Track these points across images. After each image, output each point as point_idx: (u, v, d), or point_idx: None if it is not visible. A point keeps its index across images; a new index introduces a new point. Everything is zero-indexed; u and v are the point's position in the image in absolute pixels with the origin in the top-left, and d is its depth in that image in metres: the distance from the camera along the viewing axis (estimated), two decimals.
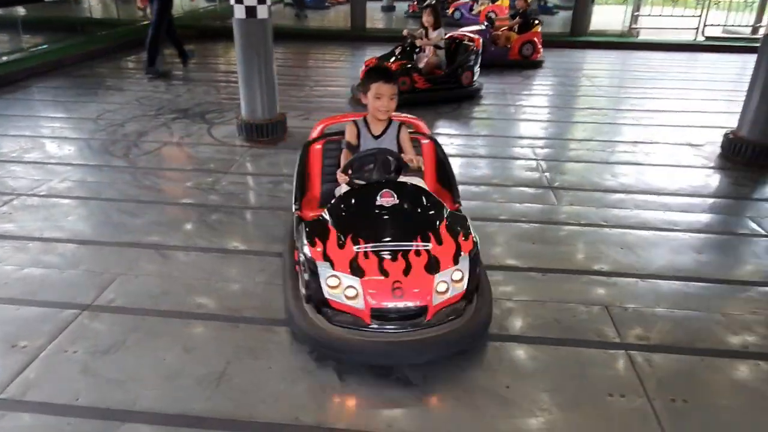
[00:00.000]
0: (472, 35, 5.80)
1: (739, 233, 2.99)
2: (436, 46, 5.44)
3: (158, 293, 2.38)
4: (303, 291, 2.03)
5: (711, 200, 3.39)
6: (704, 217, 3.16)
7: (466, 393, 1.85)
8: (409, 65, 5.27)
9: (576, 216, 3.13)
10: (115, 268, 2.55)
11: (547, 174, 3.72)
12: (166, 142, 4.24)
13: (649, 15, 9.44)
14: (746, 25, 9.67)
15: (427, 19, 5.40)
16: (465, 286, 1.93)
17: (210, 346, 2.06)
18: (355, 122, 2.49)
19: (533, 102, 5.73)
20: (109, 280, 2.45)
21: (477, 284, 2.02)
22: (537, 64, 7.35)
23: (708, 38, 9.03)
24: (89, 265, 2.58)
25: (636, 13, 9.33)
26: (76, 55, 7.30)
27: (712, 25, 9.12)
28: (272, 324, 2.19)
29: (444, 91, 5.42)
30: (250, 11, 3.91)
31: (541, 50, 7.40)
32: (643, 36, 9.40)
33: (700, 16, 9.18)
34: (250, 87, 4.16)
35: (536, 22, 7.34)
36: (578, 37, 9.18)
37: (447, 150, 2.76)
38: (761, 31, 7.62)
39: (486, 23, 7.42)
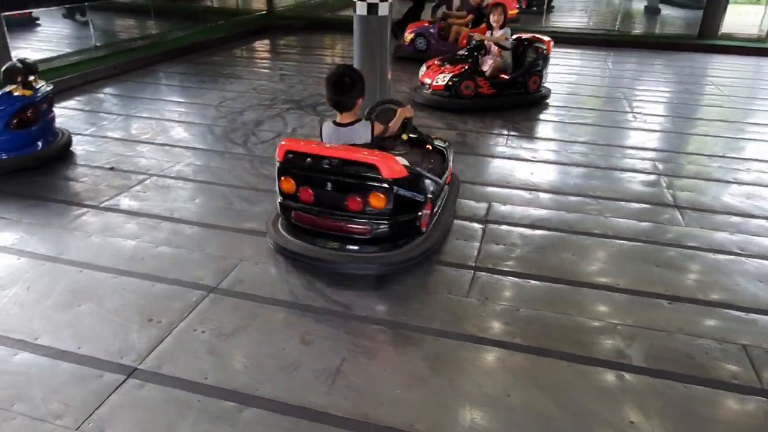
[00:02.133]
0: (542, 37, 5.37)
1: None
2: (502, 47, 5.10)
3: (275, 283, 2.48)
4: None
5: None
6: None
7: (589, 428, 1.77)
8: (472, 69, 4.93)
9: (706, 240, 2.90)
10: (236, 253, 2.68)
11: (670, 191, 3.47)
12: (281, 132, 4.39)
13: None
14: None
15: (496, 18, 5.03)
16: None
17: (326, 341, 2.11)
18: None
19: (650, 110, 5.36)
20: (232, 265, 2.58)
21: None
22: None
23: None
24: (214, 248, 2.73)
25: None
26: (198, 42, 7.76)
27: None
28: (384, 325, 2.21)
29: (509, 96, 5.08)
30: (372, 8, 3.95)
31: None
32: None
33: None
34: (367, 79, 4.20)
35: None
36: (707, 39, 8.48)
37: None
38: None
39: (441, 18, 7.04)
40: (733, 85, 6.48)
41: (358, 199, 2.44)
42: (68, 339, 2.09)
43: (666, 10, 11.64)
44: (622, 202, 3.30)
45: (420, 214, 2.57)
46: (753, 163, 3.98)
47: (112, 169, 3.65)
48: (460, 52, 5.23)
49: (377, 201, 2.43)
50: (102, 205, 3.15)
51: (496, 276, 2.55)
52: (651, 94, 5.94)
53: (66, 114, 4.75)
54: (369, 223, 2.49)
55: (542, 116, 5.04)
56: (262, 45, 8.43)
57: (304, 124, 4.62)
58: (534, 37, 5.37)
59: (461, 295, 2.40)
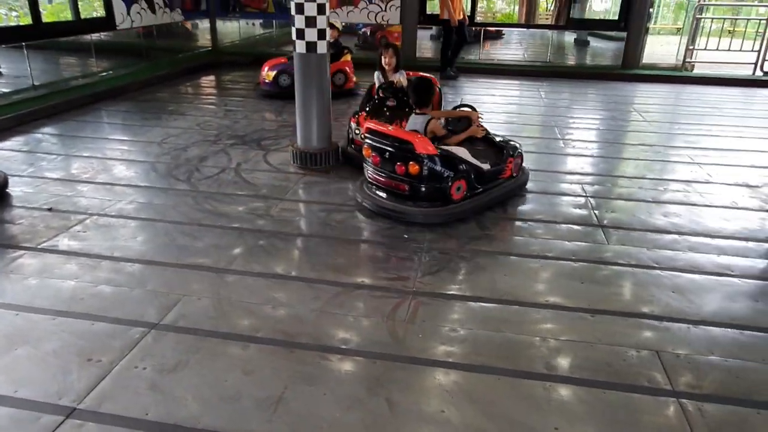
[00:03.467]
0: (424, 74, 5.00)
1: None
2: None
3: (218, 316, 2.52)
4: None
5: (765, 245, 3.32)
6: (762, 263, 3.10)
7: None
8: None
9: (626, 256, 3.13)
10: (179, 289, 2.71)
11: (596, 211, 3.72)
12: (225, 168, 4.45)
13: (705, 48, 9.28)
14: None
15: (388, 61, 4.83)
16: None
17: (267, 369, 2.17)
18: None
19: (579, 136, 5.72)
20: (174, 300, 2.61)
21: None
22: (350, 93, 7.24)
23: (767, 73, 8.81)
24: (156, 285, 2.75)
25: (691, 47, 9.18)
26: (142, 80, 7.74)
27: None
28: (325, 351, 2.28)
29: None
30: (311, 46, 4.11)
31: (354, 78, 7.30)
32: (698, 70, 9.24)
33: (759, 50, 8.96)
34: (307, 117, 4.34)
35: (346, 51, 7.21)
36: (630, 69, 9.11)
37: None
38: None
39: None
40: (654, 111, 6.98)
41: (402, 165, 3.42)
42: (4, 384, 2.06)
43: (594, 42, 12.40)
44: (554, 224, 3.52)
45: (449, 185, 3.43)
46: (670, 183, 4.31)
47: (50, 209, 3.60)
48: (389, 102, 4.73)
49: (413, 168, 3.38)
50: (40, 247, 3.11)
51: (435, 298, 2.68)
52: (580, 121, 6.34)
53: (2, 155, 4.66)
54: (409, 183, 3.46)
55: None
56: (207, 81, 8.48)
57: (248, 158, 4.69)
58: (417, 74, 5.13)
59: (401, 318, 2.51)
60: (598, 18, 11.43)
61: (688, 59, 9.20)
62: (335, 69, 6.99)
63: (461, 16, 8.36)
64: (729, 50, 9.30)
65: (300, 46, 4.13)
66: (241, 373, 2.14)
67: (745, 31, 9.60)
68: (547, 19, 11.16)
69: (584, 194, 4.03)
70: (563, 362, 2.23)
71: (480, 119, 4.02)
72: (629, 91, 8.24)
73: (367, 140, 3.64)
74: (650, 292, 2.76)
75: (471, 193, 3.60)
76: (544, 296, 2.71)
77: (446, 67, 8.63)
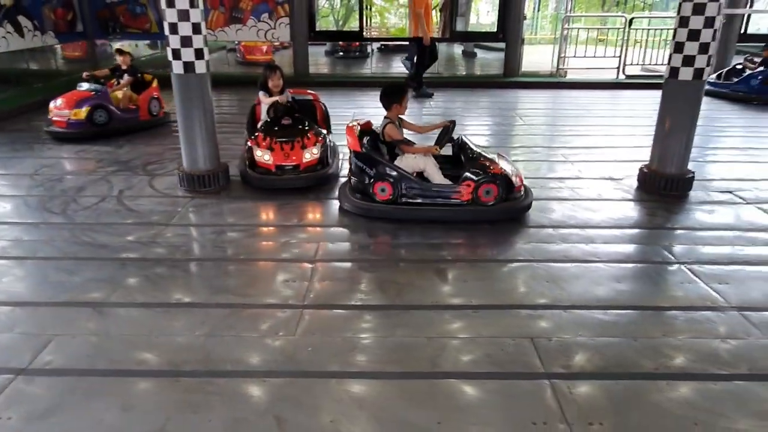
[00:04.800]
0: (307, 90, 5.39)
1: (654, 261, 3.25)
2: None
3: (96, 352, 2.38)
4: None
5: (629, 231, 3.66)
6: (623, 248, 3.42)
7: None
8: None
9: (512, 252, 3.33)
10: (51, 329, 2.53)
11: None
12: (106, 196, 4.22)
13: (574, 56, 10.10)
14: (662, 64, 10.48)
15: (276, 83, 4.82)
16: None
17: (149, 403, 2.08)
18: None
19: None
20: (45, 341, 2.43)
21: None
22: (163, 122, 6.59)
23: (628, 77, 9.73)
24: (25, 327, 2.55)
25: (562, 55, 9.96)
26: (12, 108, 7.17)
27: (631, 64, 9.82)
28: (213, 376, 2.23)
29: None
30: (189, 66, 4.02)
31: (165, 105, 6.67)
32: (570, 76, 10.04)
33: (620, 56, 9.88)
34: (191, 139, 4.23)
35: (140, 75, 6.52)
36: (511, 77, 9.71)
37: None
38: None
39: (103, 82, 6.29)
40: (533, 115, 7.49)
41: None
42: None
43: (480, 53, 13.10)
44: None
45: (370, 183, 3.68)
46: (547, 181, 4.64)
47: None
48: (284, 121, 4.70)
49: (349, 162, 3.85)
50: None
51: (325, 310, 2.70)
52: (468, 128, 6.66)
53: None
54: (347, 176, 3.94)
55: None
56: None
57: (132, 185, 4.48)
58: (299, 91, 5.31)
59: (290, 334, 2.50)
60: (479, 31, 12.06)
61: (561, 66, 9.96)
62: (150, 96, 6.44)
63: (432, 34, 8.35)
64: (595, 57, 10.19)
65: (177, 67, 4.03)
66: (119, 411, 2.04)
67: (607, 38, 10.57)
68: (436, 32, 11.64)
69: None
70: (448, 359, 2.33)
71: (437, 150, 3.78)
72: (512, 97, 8.78)
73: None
74: (527, 283, 2.96)
75: (404, 201, 3.70)
76: (430, 297, 2.82)
77: (422, 85, 8.52)
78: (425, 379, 2.21)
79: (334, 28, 14.79)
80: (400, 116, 3.99)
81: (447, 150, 4.02)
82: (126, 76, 6.44)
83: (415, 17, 8.08)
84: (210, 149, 4.31)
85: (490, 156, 3.82)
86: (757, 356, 2.35)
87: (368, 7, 15.74)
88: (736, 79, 8.31)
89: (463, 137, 4.07)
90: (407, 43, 9.07)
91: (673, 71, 4.06)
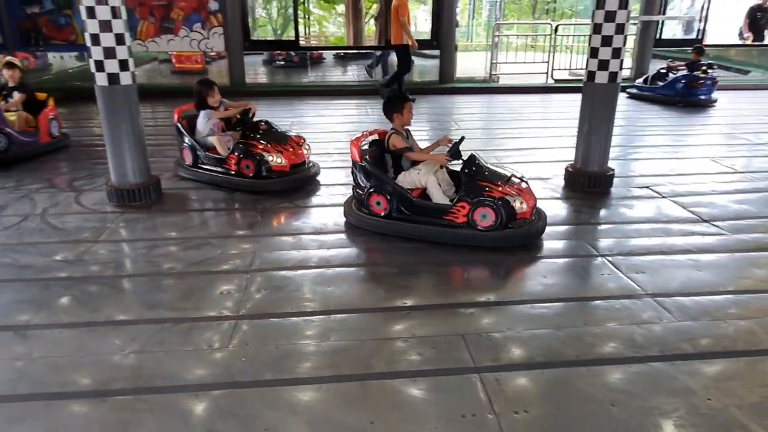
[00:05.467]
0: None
1: (579, 255, 3.41)
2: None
3: (18, 377, 2.29)
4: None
5: (557, 228, 3.83)
6: (551, 244, 3.57)
7: None
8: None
9: (443, 256, 3.42)
10: None
11: None
12: (28, 215, 4.04)
13: (505, 62, 10.46)
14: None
15: (216, 98, 4.84)
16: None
17: (76, 425, 2.02)
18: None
19: None
20: None
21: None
22: (64, 144, 6.01)
23: (557, 81, 10.16)
24: None
25: (494, 61, 10.29)
26: None
27: (559, 69, 10.27)
28: (142, 393, 2.19)
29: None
30: (113, 78, 3.91)
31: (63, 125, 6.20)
32: (503, 81, 10.38)
33: (548, 61, 10.31)
34: (118, 152, 4.12)
35: (31, 93, 5.78)
36: (446, 83, 9.94)
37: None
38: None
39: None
40: (468, 120, 7.71)
41: None
42: None
43: (418, 60, 13.34)
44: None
45: (366, 195, 3.64)
46: None
47: None
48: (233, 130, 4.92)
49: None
50: None
51: (258, 320, 2.69)
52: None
53: None
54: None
55: None
56: None
57: (57, 202, 4.31)
58: (240, 105, 5.03)
59: (223, 345, 2.48)
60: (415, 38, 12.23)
61: (493, 72, 10.29)
62: (50, 116, 5.80)
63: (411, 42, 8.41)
64: (525, 62, 10.59)
65: (101, 79, 3.92)
66: None
67: (536, 45, 11.01)
68: (372, 41, 11.77)
69: None
70: (381, 360, 2.38)
71: (448, 160, 3.61)
72: (448, 103, 9.00)
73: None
74: (463, 282, 3.05)
75: (401, 217, 3.57)
76: (364, 301, 2.86)
77: (402, 90, 8.57)
78: (359, 381, 2.25)
79: (272, 38, 14.72)
80: (407, 128, 3.86)
81: (455, 166, 3.73)
82: (16, 94, 5.65)
83: (398, 25, 8.25)
84: (139, 162, 4.20)
85: (498, 177, 3.49)
86: (669, 339, 2.51)
87: (306, 16, 15.77)
88: (661, 83, 8.80)
89: (473, 154, 3.67)
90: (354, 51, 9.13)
91: (591, 75, 4.30)
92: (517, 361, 2.37)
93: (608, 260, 3.32)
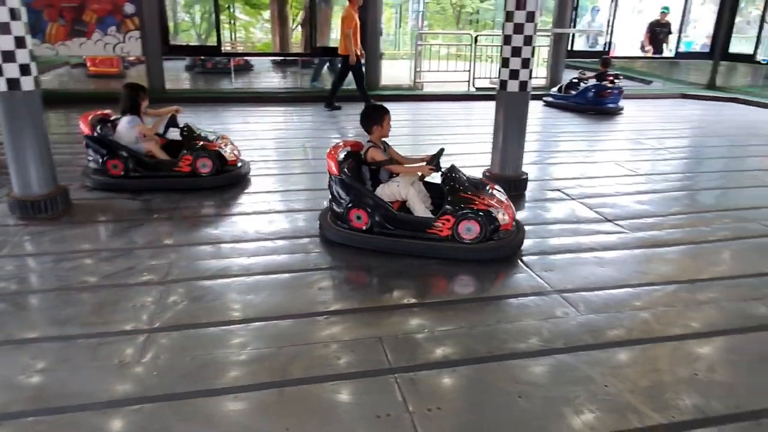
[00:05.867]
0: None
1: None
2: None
3: None
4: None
5: None
6: None
7: None
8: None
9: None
10: None
11: None
12: None
13: (428, 70, 10.73)
14: None
15: (146, 104, 4.87)
16: None
17: None
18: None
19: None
20: None
21: None
22: None
23: (478, 89, 10.53)
24: None
25: (418, 69, 10.53)
26: None
27: (480, 77, 10.64)
28: (43, 414, 2.08)
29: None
30: (13, 83, 3.69)
31: None
32: (427, 89, 10.64)
33: (470, 70, 10.67)
34: (21, 161, 3.89)
35: None
36: (372, 91, 10.05)
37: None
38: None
39: None
40: (394, 127, 7.80)
41: None
42: None
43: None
44: (294, 240, 3.72)
45: (346, 210, 3.49)
46: None
47: None
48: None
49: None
50: None
51: (173, 332, 2.62)
52: (330, 141, 6.80)
53: None
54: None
55: None
56: None
57: None
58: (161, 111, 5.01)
59: (134, 361, 2.40)
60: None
61: (417, 80, 10.53)
62: None
63: (360, 52, 8.49)
64: (447, 71, 10.91)
65: (0, 84, 3.69)
66: None
67: (457, 54, 11.37)
68: (298, 47, 11.74)
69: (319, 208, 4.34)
70: (299, 366, 2.38)
71: (432, 170, 3.55)
72: None
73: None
74: (377, 287, 3.11)
75: (381, 231, 3.48)
76: (280, 310, 2.85)
77: (333, 99, 8.81)
78: (277, 389, 2.24)
79: (197, 42, 14.35)
80: (384, 140, 3.75)
81: (435, 178, 3.68)
82: None
83: (344, 37, 8.38)
84: (44, 172, 3.98)
85: (479, 188, 3.53)
86: (573, 332, 2.68)
87: (232, 21, 15.47)
88: (574, 92, 9.33)
89: (454, 166, 3.63)
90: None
91: (503, 84, 4.51)
92: (432, 360, 2.45)
93: (522, 260, 3.48)
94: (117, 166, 4.59)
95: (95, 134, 4.61)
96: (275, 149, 6.31)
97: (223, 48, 10.30)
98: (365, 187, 3.59)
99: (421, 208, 3.53)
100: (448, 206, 3.38)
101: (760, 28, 10.74)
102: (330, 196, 3.67)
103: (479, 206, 3.36)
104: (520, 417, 2.11)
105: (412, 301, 2.96)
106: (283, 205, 4.41)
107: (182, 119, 5.07)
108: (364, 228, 3.49)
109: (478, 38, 10.84)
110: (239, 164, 4.95)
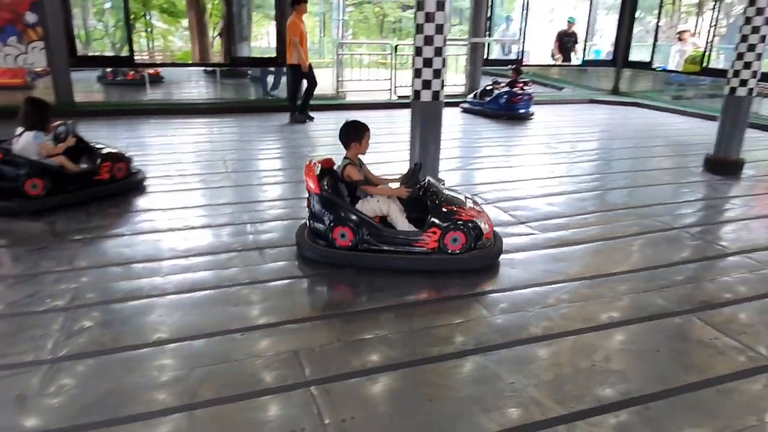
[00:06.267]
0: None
1: None
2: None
3: None
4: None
5: None
6: None
7: None
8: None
9: (281, 272, 3.45)
10: None
11: (253, 236, 4.00)
12: None
13: (351, 79, 10.82)
14: None
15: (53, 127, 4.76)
16: None
17: None
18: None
19: (245, 167, 6.06)
20: None
21: None
22: None
23: (400, 97, 10.72)
24: None
25: (340, 78, 10.59)
26: None
27: (401, 86, 10.82)
28: None
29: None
30: None
31: None
32: (350, 97, 10.71)
33: (391, 78, 10.85)
34: None
35: None
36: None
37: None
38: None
39: None
40: (317, 137, 7.84)
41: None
42: None
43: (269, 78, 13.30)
44: (210, 256, 3.65)
45: (329, 227, 3.44)
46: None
47: None
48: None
49: (307, 203, 3.60)
50: None
51: (77, 361, 2.51)
52: (247, 152, 6.73)
53: None
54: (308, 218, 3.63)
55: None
56: None
57: None
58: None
59: (34, 393, 2.28)
60: (260, 56, 12.15)
61: (340, 89, 10.58)
62: None
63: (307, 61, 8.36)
64: (369, 80, 11.04)
65: None
66: None
67: (385, 62, 11.53)
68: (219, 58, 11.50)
69: (243, 221, 4.29)
70: (209, 388, 2.33)
71: (409, 192, 3.60)
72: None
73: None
74: (295, 299, 3.11)
75: (367, 247, 3.44)
76: (196, 329, 2.79)
77: (295, 112, 8.69)
78: (188, 411, 2.19)
79: (111, 53, 13.70)
80: (360, 157, 3.73)
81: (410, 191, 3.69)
82: None
83: (290, 45, 8.24)
84: None
85: (458, 200, 3.61)
86: (483, 332, 2.79)
87: (148, 29, 14.91)
88: (488, 98, 9.72)
89: (430, 179, 3.74)
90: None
91: (416, 93, 4.63)
92: (347, 370, 2.47)
93: None
94: (36, 185, 4.33)
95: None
96: (193, 163, 6.15)
97: (137, 58, 9.93)
98: (348, 204, 3.56)
99: (404, 222, 3.53)
100: (434, 219, 3.42)
101: (655, 37, 11.61)
102: (308, 214, 3.59)
103: (465, 217, 3.44)
104: (430, 419, 2.18)
105: (329, 312, 2.98)
106: (200, 220, 4.31)
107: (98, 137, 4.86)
108: (348, 245, 3.45)
109: (398, 47, 11.03)
110: (134, 170, 5.11)
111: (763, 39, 5.66)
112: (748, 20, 5.66)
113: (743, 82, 5.83)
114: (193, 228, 4.14)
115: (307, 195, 3.59)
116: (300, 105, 8.85)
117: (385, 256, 3.46)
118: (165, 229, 4.12)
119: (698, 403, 2.31)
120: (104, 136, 6.16)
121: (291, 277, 3.39)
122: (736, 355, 2.64)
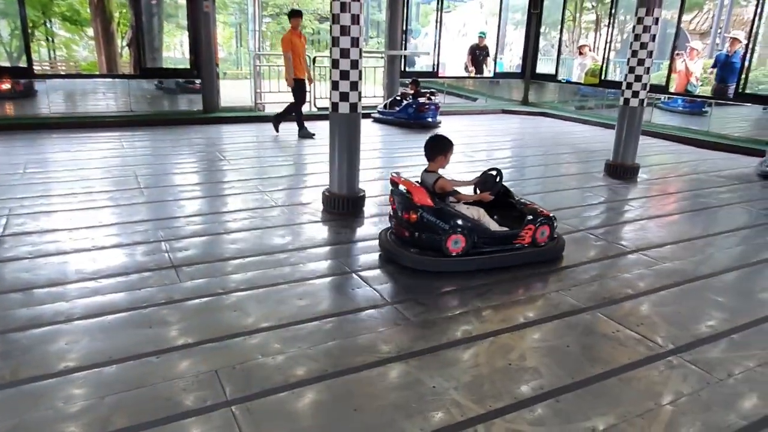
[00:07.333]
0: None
1: (334, 274, 3.66)
2: None
3: None
4: None
5: (314, 250, 4.04)
6: (311, 266, 3.75)
7: None
8: None
9: (197, 290, 3.34)
10: None
11: (169, 254, 3.85)
12: None
13: (270, 91, 10.68)
14: None
15: None
16: None
17: None
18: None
19: (159, 182, 5.84)
20: None
21: None
22: None
23: (319, 109, 10.72)
24: None
25: (258, 90, 10.45)
26: None
27: (320, 98, 10.83)
28: None
29: None
30: None
31: None
32: (269, 109, 10.55)
33: (310, 90, 10.80)
34: None
35: None
36: (211, 113, 9.76)
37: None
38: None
39: None
40: (233, 150, 7.67)
41: (407, 213, 3.66)
42: None
43: (181, 90, 12.83)
44: (121, 277, 3.47)
45: (445, 237, 3.59)
46: (240, 213, 4.81)
47: None
48: None
49: (411, 216, 3.63)
50: None
51: (23, 386, 2.31)
52: (162, 167, 6.46)
53: None
54: (409, 230, 3.69)
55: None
56: None
57: None
58: None
59: None
60: (173, 67, 11.71)
61: (258, 101, 10.43)
62: None
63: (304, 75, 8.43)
64: (289, 91, 10.91)
65: None
66: None
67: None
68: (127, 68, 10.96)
69: (158, 239, 4.12)
70: (121, 416, 2.22)
71: (489, 197, 3.90)
72: (214, 133, 8.84)
73: (391, 190, 3.88)
74: (214, 317, 3.03)
75: (475, 251, 3.69)
76: (103, 355, 2.65)
77: (302, 127, 8.68)
78: None
79: (8, 63, 12.67)
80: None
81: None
82: None
83: (285, 60, 8.33)
84: None
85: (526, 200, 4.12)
86: (404, 340, 2.85)
87: (50, 38, 13.97)
88: (398, 108, 10.04)
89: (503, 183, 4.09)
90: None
91: (335, 106, 4.67)
92: (269, 386, 2.43)
93: (357, 275, 3.62)
94: None
95: None
96: (102, 179, 5.83)
97: (36, 69, 9.31)
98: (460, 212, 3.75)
99: (494, 223, 3.82)
100: (529, 216, 3.85)
101: (559, 51, 12.37)
102: (400, 228, 3.79)
103: (546, 213, 3.91)
104: (355, 428, 2.19)
105: (251, 329, 2.92)
106: (111, 240, 4.09)
107: None
108: (461, 252, 3.65)
109: (317, 59, 11.03)
110: None
111: (650, 54, 6.19)
112: (636, 37, 6.18)
113: (635, 94, 6.35)
114: (102, 248, 3.93)
115: (390, 212, 3.98)
116: (296, 118, 8.77)
117: (492, 256, 3.76)
118: (70, 250, 3.87)
119: (603, 392, 2.47)
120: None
121: (209, 294, 3.29)
122: (635, 346, 2.86)
